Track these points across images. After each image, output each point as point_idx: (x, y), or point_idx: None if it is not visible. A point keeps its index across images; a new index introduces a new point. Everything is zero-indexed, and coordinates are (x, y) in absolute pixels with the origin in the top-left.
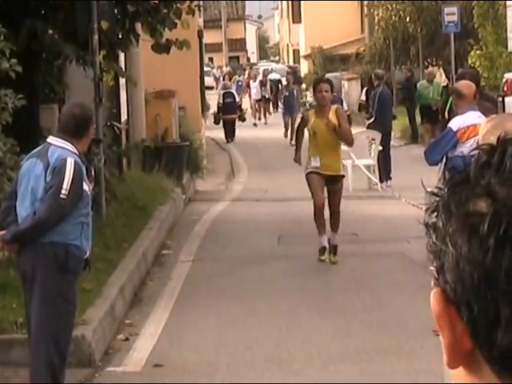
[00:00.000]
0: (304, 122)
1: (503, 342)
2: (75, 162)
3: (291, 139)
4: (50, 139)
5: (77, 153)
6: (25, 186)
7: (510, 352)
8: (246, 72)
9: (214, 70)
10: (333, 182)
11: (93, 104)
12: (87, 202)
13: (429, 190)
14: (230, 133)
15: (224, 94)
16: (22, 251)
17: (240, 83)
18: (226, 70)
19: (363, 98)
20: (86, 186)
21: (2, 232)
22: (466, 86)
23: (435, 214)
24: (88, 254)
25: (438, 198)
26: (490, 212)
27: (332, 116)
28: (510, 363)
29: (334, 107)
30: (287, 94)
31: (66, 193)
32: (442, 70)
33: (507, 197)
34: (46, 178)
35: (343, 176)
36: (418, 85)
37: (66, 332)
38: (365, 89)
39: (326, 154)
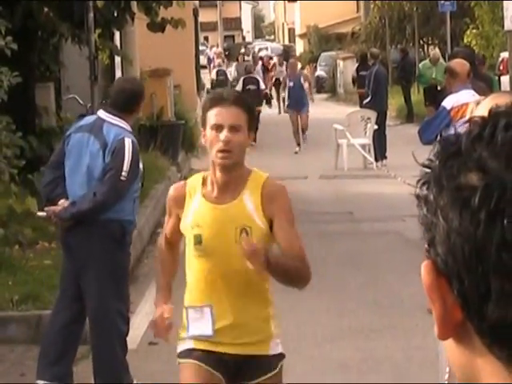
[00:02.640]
0: (176, 205)
1: (493, 315)
2: (132, 142)
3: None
4: (102, 114)
5: (131, 131)
6: (76, 160)
7: (500, 325)
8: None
9: (208, 50)
10: (250, 378)
11: (88, 82)
12: (139, 177)
13: (420, 162)
14: None
15: (218, 72)
16: (75, 229)
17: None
18: (217, 50)
19: (354, 74)
20: (140, 164)
21: (57, 208)
22: (459, 64)
23: (426, 186)
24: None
25: (429, 171)
26: (481, 185)
27: (253, 198)
28: (500, 336)
29: (260, 176)
30: (291, 84)
31: (126, 174)
32: (437, 49)
33: (498, 170)
34: (105, 158)
35: (280, 358)
36: (421, 65)
37: (127, 298)
38: (356, 65)
39: (233, 302)
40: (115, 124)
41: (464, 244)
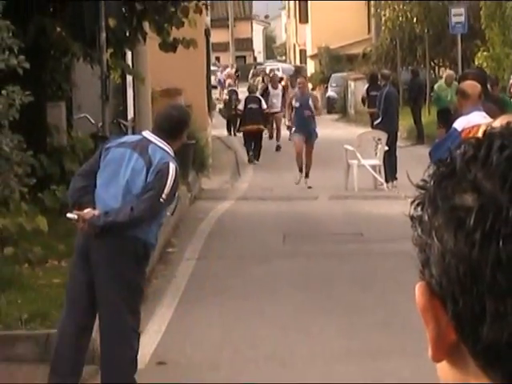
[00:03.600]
0: None
1: (488, 337)
2: (176, 168)
3: (305, 174)
4: (148, 135)
5: (174, 157)
6: (113, 173)
7: (494, 347)
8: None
9: (219, 73)
10: None
11: (100, 101)
12: (170, 205)
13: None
14: (231, 127)
15: (230, 92)
16: (102, 239)
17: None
18: (229, 71)
19: (364, 93)
20: (177, 193)
21: (90, 213)
22: (470, 85)
23: (421, 207)
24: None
25: (423, 191)
26: (476, 206)
27: None
28: (495, 358)
29: None
30: (297, 104)
31: (165, 197)
32: (448, 70)
33: (493, 191)
34: (148, 177)
35: None
36: (436, 87)
37: (140, 315)
38: (366, 85)
39: None
40: (161, 147)
41: (459, 265)
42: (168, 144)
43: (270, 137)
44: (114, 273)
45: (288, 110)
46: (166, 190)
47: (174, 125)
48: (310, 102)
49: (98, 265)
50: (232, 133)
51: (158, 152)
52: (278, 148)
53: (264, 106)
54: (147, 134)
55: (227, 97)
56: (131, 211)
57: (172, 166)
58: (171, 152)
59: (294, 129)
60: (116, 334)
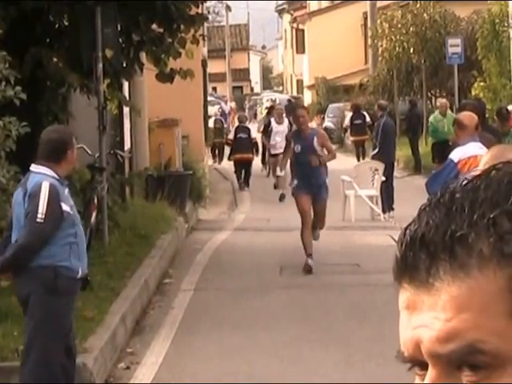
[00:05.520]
0: None
1: None
2: (51, 184)
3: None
4: (32, 167)
5: (55, 176)
6: (15, 215)
7: None
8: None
9: (223, 104)
10: None
11: (97, 132)
12: (73, 222)
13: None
14: (219, 156)
15: (215, 121)
16: (16, 278)
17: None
18: (230, 104)
19: (348, 123)
20: (66, 207)
21: None
22: (467, 116)
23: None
24: (81, 273)
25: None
26: None
27: None
28: None
29: None
30: (298, 149)
31: (43, 216)
32: (440, 99)
33: None
34: (25, 204)
35: None
36: (431, 118)
37: (57, 355)
38: (349, 114)
39: None
40: (38, 172)
41: None
42: (51, 167)
43: (275, 187)
44: (29, 308)
45: (286, 155)
46: (41, 208)
47: (55, 148)
48: (316, 144)
49: (22, 303)
50: (217, 161)
51: (34, 178)
52: (282, 197)
53: (253, 135)
54: (32, 166)
55: (212, 126)
56: (16, 243)
57: (45, 184)
58: (50, 173)
59: (295, 182)
60: (26, 371)
